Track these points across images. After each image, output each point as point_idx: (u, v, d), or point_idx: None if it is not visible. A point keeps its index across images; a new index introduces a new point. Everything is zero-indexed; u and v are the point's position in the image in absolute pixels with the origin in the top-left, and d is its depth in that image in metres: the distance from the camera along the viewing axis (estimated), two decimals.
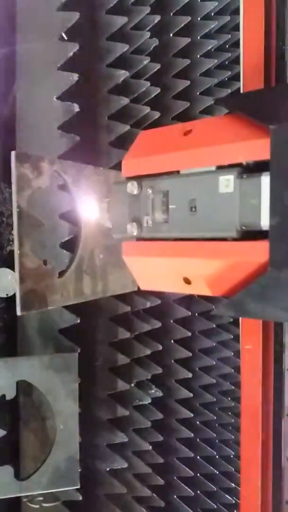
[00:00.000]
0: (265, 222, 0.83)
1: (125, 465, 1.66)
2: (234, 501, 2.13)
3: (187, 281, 1.00)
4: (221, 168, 0.91)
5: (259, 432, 1.25)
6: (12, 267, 1.49)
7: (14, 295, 1.27)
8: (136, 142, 1.10)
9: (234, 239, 0.89)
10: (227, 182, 0.87)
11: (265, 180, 0.82)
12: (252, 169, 0.87)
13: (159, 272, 1.08)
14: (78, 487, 1.46)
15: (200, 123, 1.03)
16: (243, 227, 0.87)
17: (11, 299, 1.51)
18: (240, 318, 1.24)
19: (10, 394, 1.39)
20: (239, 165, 0.88)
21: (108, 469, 1.66)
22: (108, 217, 1.17)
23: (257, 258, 0.84)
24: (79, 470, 1.46)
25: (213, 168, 0.91)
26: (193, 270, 0.98)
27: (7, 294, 1.51)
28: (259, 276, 0.86)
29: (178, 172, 0.98)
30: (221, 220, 0.88)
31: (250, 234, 0.88)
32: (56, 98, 1.39)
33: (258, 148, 0.83)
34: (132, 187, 1.02)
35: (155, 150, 1.03)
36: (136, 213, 1.04)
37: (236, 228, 0.88)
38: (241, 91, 1.18)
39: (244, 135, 0.87)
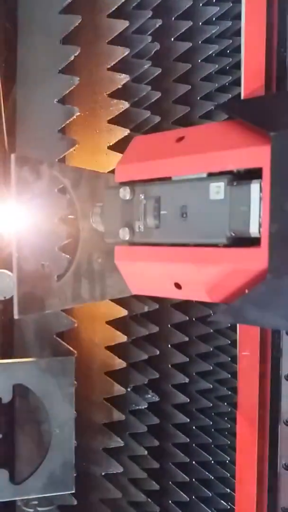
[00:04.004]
0: (254, 229, 0.83)
1: (121, 469, 1.65)
2: (229, 507, 2.12)
3: (178, 286, 1.00)
4: (212, 175, 0.91)
5: (255, 439, 1.25)
6: (10, 269, 1.48)
7: (12, 297, 1.27)
8: (130, 148, 1.11)
9: (224, 245, 0.89)
10: (218, 189, 0.87)
11: (255, 187, 0.83)
12: (243, 177, 0.87)
13: (151, 276, 1.09)
14: (73, 491, 1.46)
15: (194, 130, 1.03)
16: (233, 234, 0.87)
17: (8, 302, 1.50)
18: (238, 325, 1.24)
19: (6, 398, 1.38)
20: (230, 172, 0.88)
21: (103, 474, 1.65)
22: (101, 222, 1.17)
23: (246, 265, 0.84)
24: (74, 474, 1.45)
25: (204, 175, 0.91)
26: (183, 276, 0.99)
27: (4, 297, 1.50)
28: (251, 283, 0.86)
29: (170, 178, 0.99)
30: (212, 227, 0.89)
31: (240, 241, 0.88)
32: (56, 101, 1.39)
33: (255, 155, 0.83)
34: (125, 192, 1.03)
35: (148, 156, 1.04)
36: (128, 218, 1.05)
37: (226, 234, 0.88)
38: (242, 97, 1.18)
39: (239, 142, 0.88)
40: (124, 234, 1.03)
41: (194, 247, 0.95)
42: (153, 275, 1.06)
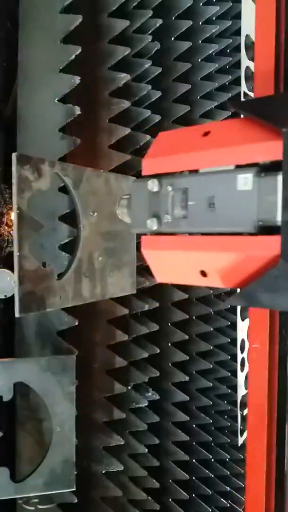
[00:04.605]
0: (281, 218, 0.89)
1: (121, 467, 1.65)
2: (229, 505, 2.13)
3: (203, 274, 1.06)
4: (239, 167, 0.96)
5: (265, 431, 1.27)
6: (11, 268, 1.49)
7: (13, 296, 1.27)
8: (156, 142, 1.17)
9: (250, 234, 0.94)
10: (246, 180, 0.93)
11: (281, 178, 0.89)
12: (269, 168, 0.94)
13: (177, 265, 1.15)
14: (74, 489, 1.46)
15: (218, 125, 1.10)
16: (260, 223, 0.93)
17: (9, 301, 1.51)
18: (248, 318, 1.28)
19: (8, 396, 1.39)
20: (256, 164, 0.95)
21: (103, 472, 1.66)
22: (127, 213, 1.22)
23: (270, 252, 0.90)
24: (75, 472, 1.46)
25: (232, 167, 0.97)
26: (210, 263, 1.05)
27: (5, 296, 1.51)
28: (271, 268, 0.91)
29: (197, 170, 1.05)
30: (239, 216, 0.94)
31: (266, 229, 0.94)
32: (57, 100, 1.39)
33: (273, 149, 0.89)
34: (153, 185, 1.09)
35: (175, 150, 1.10)
36: (156, 209, 1.11)
37: (253, 223, 0.93)
38: (253, 96, 1.22)
39: (262, 136, 0.94)
40: (152, 224, 1.09)
41: (220, 236, 1.00)
42: (180, 263, 1.14)
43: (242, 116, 1.18)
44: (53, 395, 1.42)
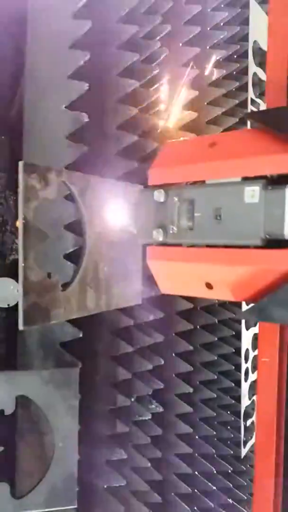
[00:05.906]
0: None
1: (124, 483, 1.62)
2: None
3: (209, 286, 1.04)
4: (246, 179, 0.94)
5: (273, 445, 1.25)
6: (14, 277, 1.45)
7: (16, 305, 1.23)
8: (162, 152, 1.16)
9: (257, 247, 0.92)
10: (253, 193, 0.91)
11: None
12: (276, 181, 0.90)
13: (182, 276, 1.15)
14: (75, 506, 1.43)
15: (225, 136, 1.09)
16: (267, 236, 0.90)
17: (12, 310, 1.47)
18: (258, 332, 1.27)
19: (9, 409, 1.35)
20: (264, 177, 0.91)
21: (106, 487, 1.62)
22: (133, 223, 1.20)
23: (281, 266, 0.87)
24: (77, 488, 1.42)
25: (239, 179, 0.95)
26: (216, 276, 1.03)
27: (8, 305, 1.48)
28: (283, 283, 0.89)
29: (203, 182, 1.01)
30: (246, 229, 0.93)
31: (273, 243, 0.91)
32: (65, 107, 1.36)
33: (285, 161, 0.86)
34: (159, 195, 1.08)
35: (181, 160, 1.08)
36: (162, 219, 1.09)
37: (260, 236, 0.91)
38: (265, 106, 1.20)
39: (271, 149, 0.92)
40: (158, 235, 1.09)
41: (226, 248, 0.98)
42: (185, 275, 1.13)
43: (249, 126, 1.16)
44: (55, 409, 1.39)
